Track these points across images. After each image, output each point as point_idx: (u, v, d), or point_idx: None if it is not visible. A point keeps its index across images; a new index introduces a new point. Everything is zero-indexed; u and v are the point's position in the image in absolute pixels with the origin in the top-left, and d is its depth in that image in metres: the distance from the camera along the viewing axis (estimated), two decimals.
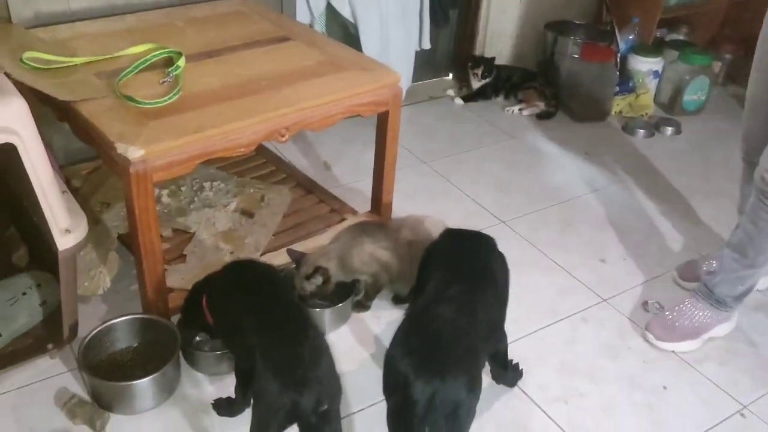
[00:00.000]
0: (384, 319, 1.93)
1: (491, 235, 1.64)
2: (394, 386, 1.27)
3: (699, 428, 1.67)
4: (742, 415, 1.71)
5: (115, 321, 1.72)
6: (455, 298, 1.35)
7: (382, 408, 1.60)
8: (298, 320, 1.36)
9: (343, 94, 1.82)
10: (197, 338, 1.75)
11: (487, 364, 1.68)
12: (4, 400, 1.61)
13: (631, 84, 3.20)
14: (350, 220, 2.11)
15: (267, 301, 1.41)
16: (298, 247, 1.96)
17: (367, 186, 2.22)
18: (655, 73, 3.22)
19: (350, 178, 2.55)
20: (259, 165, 2.42)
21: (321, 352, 1.31)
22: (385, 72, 1.95)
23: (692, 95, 3.16)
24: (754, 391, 1.77)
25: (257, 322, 1.35)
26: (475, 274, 1.42)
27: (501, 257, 1.55)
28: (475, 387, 1.30)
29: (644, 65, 3.21)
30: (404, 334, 1.33)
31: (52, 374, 1.69)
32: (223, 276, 1.54)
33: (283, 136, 1.74)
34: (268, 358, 1.28)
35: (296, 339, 1.30)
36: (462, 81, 3.29)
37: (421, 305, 1.38)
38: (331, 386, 1.29)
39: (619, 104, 3.15)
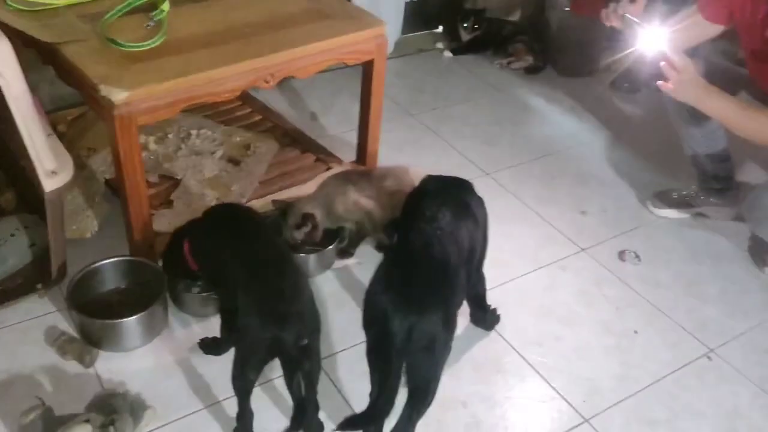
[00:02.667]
0: (367, 265, 1.97)
1: (476, 186, 1.66)
2: (374, 320, 1.32)
3: (666, 369, 1.74)
4: (708, 358, 1.78)
5: (102, 262, 1.76)
6: (434, 237, 1.40)
7: (362, 348, 1.67)
8: (279, 259, 1.40)
9: (328, 42, 1.83)
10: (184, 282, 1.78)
11: (467, 307, 1.75)
12: None
13: (621, 38, 3.19)
14: (336, 169, 2.13)
15: (248, 241, 1.45)
16: (284, 194, 1.99)
17: (354, 137, 2.23)
18: None
19: (338, 128, 2.57)
20: (247, 114, 2.43)
21: (301, 290, 1.35)
22: (370, 20, 1.96)
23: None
24: (721, 336, 1.84)
25: (239, 261, 1.39)
26: (455, 215, 1.46)
27: (480, 200, 1.59)
28: (450, 323, 1.35)
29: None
30: (384, 271, 1.37)
31: (42, 313, 1.73)
32: (205, 219, 1.57)
33: (267, 82, 1.75)
34: (251, 295, 1.32)
35: (277, 277, 1.34)
36: (452, 34, 3.28)
37: (402, 243, 1.43)
38: (311, 322, 1.34)
39: (608, 59, 3.15)
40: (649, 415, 1.62)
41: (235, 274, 1.36)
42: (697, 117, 2.01)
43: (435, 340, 1.30)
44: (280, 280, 1.33)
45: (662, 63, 1.66)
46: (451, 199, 1.50)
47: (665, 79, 1.69)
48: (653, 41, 1.68)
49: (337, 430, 1.37)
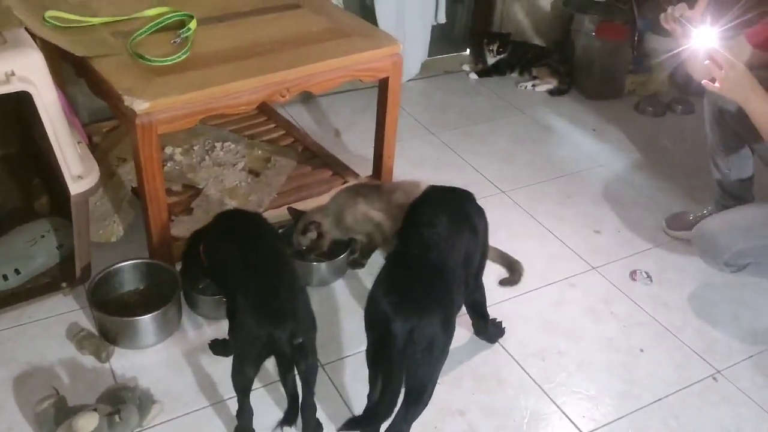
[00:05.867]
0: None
1: (491, 203, 1.69)
2: (376, 322, 1.36)
3: (670, 388, 1.73)
4: (714, 379, 1.76)
5: (122, 264, 1.85)
6: (432, 242, 1.44)
7: None
8: (276, 262, 1.46)
9: (343, 59, 1.91)
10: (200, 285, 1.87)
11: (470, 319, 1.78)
12: (23, 331, 1.77)
13: (647, 63, 3.21)
14: (350, 182, 2.20)
15: (249, 244, 1.51)
16: (299, 206, 2.06)
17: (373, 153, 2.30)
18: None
19: (358, 145, 2.64)
20: (271, 129, 2.53)
21: (296, 291, 1.41)
22: (386, 40, 2.03)
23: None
24: (729, 359, 1.82)
25: (240, 263, 1.46)
26: (454, 222, 1.51)
27: (480, 210, 1.63)
28: (449, 325, 1.39)
29: (662, 44, 3.20)
30: (385, 276, 1.42)
31: (65, 310, 1.83)
32: (214, 223, 1.66)
33: (283, 96, 1.84)
34: (247, 295, 1.38)
35: (273, 278, 1.40)
36: (478, 56, 3.34)
37: (402, 249, 1.48)
38: (306, 322, 1.39)
39: (633, 83, 3.16)
40: None
41: (236, 275, 1.43)
42: (730, 147, 2.05)
43: (434, 342, 1.34)
44: (276, 281, 1.39)
45: (706, 61, 1.67)
46: (449, 207, 1.54)
47: (711, 79, 1.69)
48: (704, 41, 1.69)
49: (339, 431, 1.41)
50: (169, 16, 1.95)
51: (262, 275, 1.41)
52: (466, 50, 3.45)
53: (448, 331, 1.39)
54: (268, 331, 1.32)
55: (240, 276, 1.42)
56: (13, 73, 1.46)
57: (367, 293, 1.92)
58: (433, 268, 1.41)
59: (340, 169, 2.32)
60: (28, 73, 1.49)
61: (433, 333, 1.34)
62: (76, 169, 1.65)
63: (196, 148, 2.32)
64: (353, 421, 1.43)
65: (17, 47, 1.50)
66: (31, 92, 1.50)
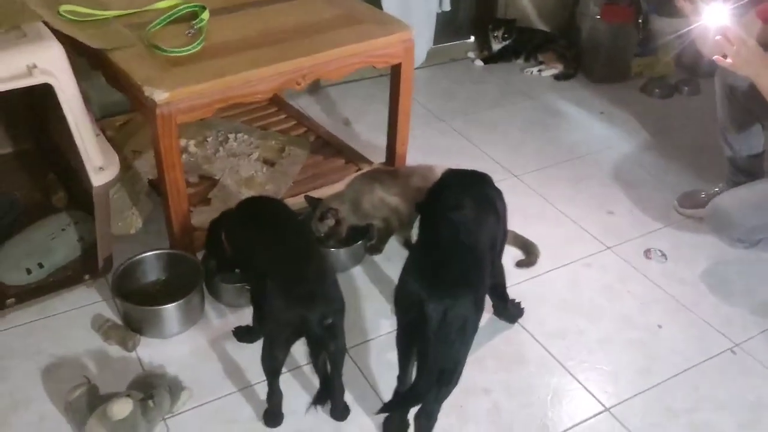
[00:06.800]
0: (395, 261, 2.04)
1: (503, 188, 1.70)
2: (408, 306, 1.37)
3: (689, 362, 1.75)
4: (732, 352, 1.78)
5: (145, 255, 1.87)
6: (461, 224, 1.46)
7: (387, 338, 1.73)
8: (304, 245, 1.48)
9: (357, 46, 1.92)
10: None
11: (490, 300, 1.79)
12: (48, 323, 1.79)
13: (653, 44, 3.21)
14: (364, 169, 2.22)
15: (276, 229, 1.53)
16: (315, 194, 2.08)
17: (384, 141, 2.31)
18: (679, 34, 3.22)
19: (370, 134, 2.65)
20: (282, 119, 2.54)
21: (325, 273, 1.43)
22: (398, 26, 2.04)
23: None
24: (747, 332, 1.84)
25: (267, 248, 1.48)
26: (477, 204, 1.52)
27: (499, 192, 1.65)
28: (479, 305, 1.41)
29: (667, 25, 3.21)
30: (415, 260, 1.44)
31: (89, 302, 1.85)
32: (238, 210, 1.67)
33: (299, 83, 1.85)
34: (277, 279, 1.40)
35: (302, 261, 1.42)
36: (483, 43, 3.35)
37: (429, 232, 1.49)
38: (335, 303, 1.40)
39: (639, 65, 3.17)
40: (670, 405, 1.64)
41: (263, 261, 1.45)
42: (741, 123, 2.06)
43: (467, 322, 1.36)
44: (304, 263, 1.41)
45: (717, 37, 1.69)
46: (471, 190, 1.56)
47: (723, 55, 1.71)
48: (715, 18, 1.71)
49: (377, 413, 1.43)
50: (182, 7, 1.96)
51: (291, 258, 1.43)
52: (470, 38, 3.45)
53: (479, 310, 1.42)
54: (300, 313, 1.34)
55: (268, 260, 1.44)
56: (35, 66, 1.48)
57: (386, 278, 1.99)
58: (464, 249, 1.43)
59: (354, 157, 2.33)
60: (49, 65, 1.50)
61: (467, 313, 1.36)
62: (98, 161, 1.66)
63: (209, 139, 2.34)
64: (392, 404, 1.45)
65: (38, 40, 1.52)
66: (53, 84, 1.51)
